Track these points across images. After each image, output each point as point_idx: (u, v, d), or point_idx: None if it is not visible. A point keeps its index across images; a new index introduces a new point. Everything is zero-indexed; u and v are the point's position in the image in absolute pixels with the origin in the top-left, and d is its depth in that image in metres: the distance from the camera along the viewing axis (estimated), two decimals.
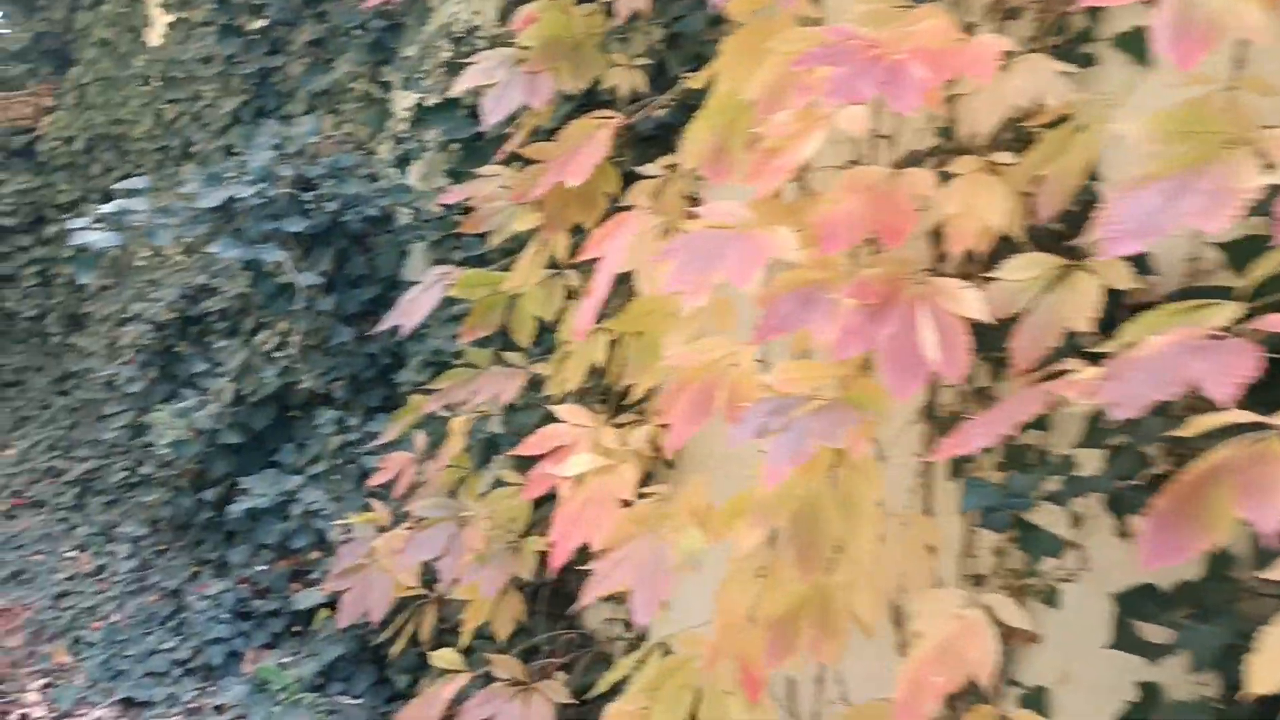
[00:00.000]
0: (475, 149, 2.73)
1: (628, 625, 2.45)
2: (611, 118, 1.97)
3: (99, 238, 3.14)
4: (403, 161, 3.13)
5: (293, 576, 3.33)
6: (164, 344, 4.15)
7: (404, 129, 3.17)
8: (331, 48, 3.57)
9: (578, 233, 2.10)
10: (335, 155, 3.25)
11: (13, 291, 6.31)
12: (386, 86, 3.43)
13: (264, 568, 3.39)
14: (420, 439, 2.67)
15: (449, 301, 2.52)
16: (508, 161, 2.25)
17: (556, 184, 1.98)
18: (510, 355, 2.34)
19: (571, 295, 2.28)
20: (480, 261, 2.77)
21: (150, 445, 4.31)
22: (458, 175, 2.84)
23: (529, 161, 2.09)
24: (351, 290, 3.17)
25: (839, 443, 1.37)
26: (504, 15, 2.86)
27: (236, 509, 3.11)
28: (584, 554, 1.76)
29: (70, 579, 4.27)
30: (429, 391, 2.81)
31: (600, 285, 1.75)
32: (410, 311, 2.25)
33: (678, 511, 1.78)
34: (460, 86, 2.08)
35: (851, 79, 1.39)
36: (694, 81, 1.83)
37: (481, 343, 2.53)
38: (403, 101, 3.30)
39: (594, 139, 1.94)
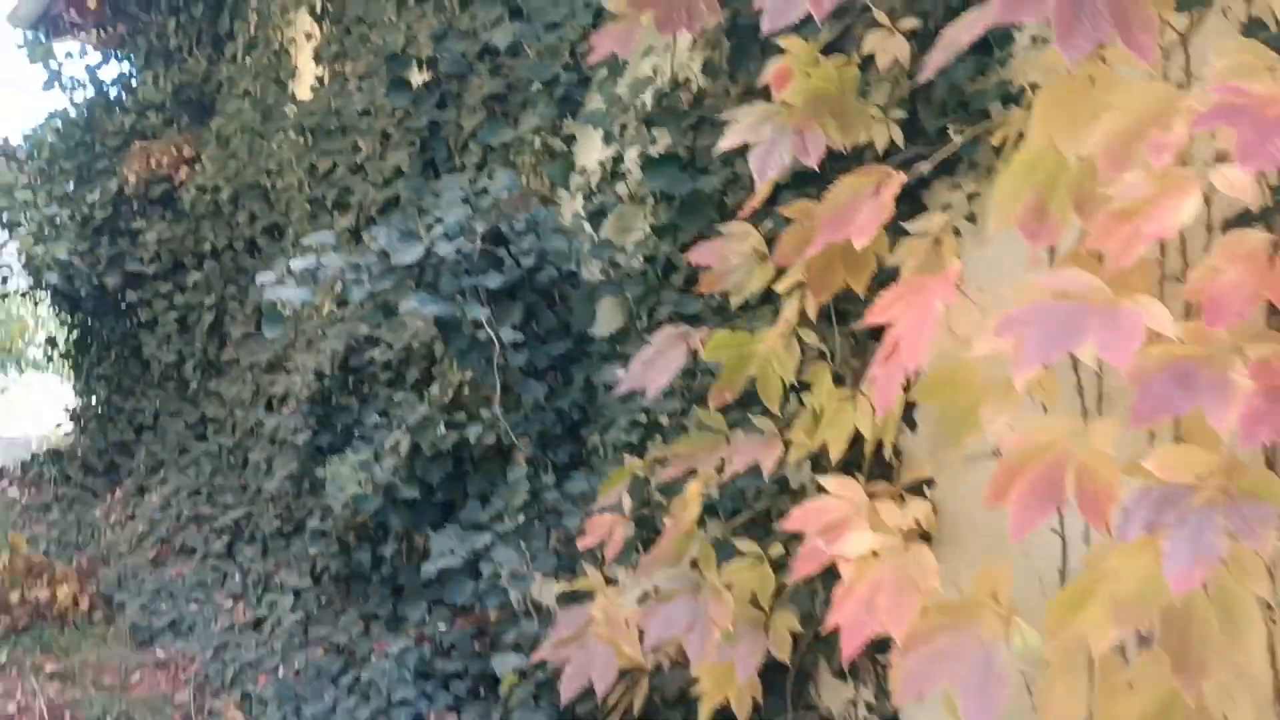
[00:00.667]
0: (693, 205, 2.66)
1: (871, 708, 2.32)
2: (888, 174, 1.88)
3: (292, 293, 3.14)
4: (597, 215, 3.07)
5: (474, 636, 3.26)
6: (326, 394, 4.15)
7: (596, 182, 3.12)
8: (512, 101, 3.55)
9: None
10: (528, 210, 3.21)
11: (150, 337, 6.43)
12: (570, 140, 3.39)
13: (445, 627, 3.33)
14: (626, 501, 2.59)
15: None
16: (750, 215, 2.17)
17: (826, 244, 1.88)
18: (733, 418, 2.24)
19: (821, 357, 2.19)
20: (692, 320, 2.70)
21: (314, 495, 4.31)
22: (671, 230, 2.77)
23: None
24: (541, 345, 3.12)
25: (1262, 543, 1.24)
26: (710, 70, 2.80)
27: (430, 567, 3.05)
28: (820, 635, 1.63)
29: (229, 629, 4.27)
30: (638, 451, 2.73)
31: (905, 353, 1.65)
32: (653, 375, 2.17)
33: (984, 601, 1.66)
34: (727, 143, 2.01)
35: (1260, 142, 1.28)
36: (962, 136, 1.73)
37: (679, 399, 2.45)
38: (592, 155, 3.26)
39: (874, 198, 1.84)
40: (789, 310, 2.05)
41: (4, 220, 6.92)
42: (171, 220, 6.36)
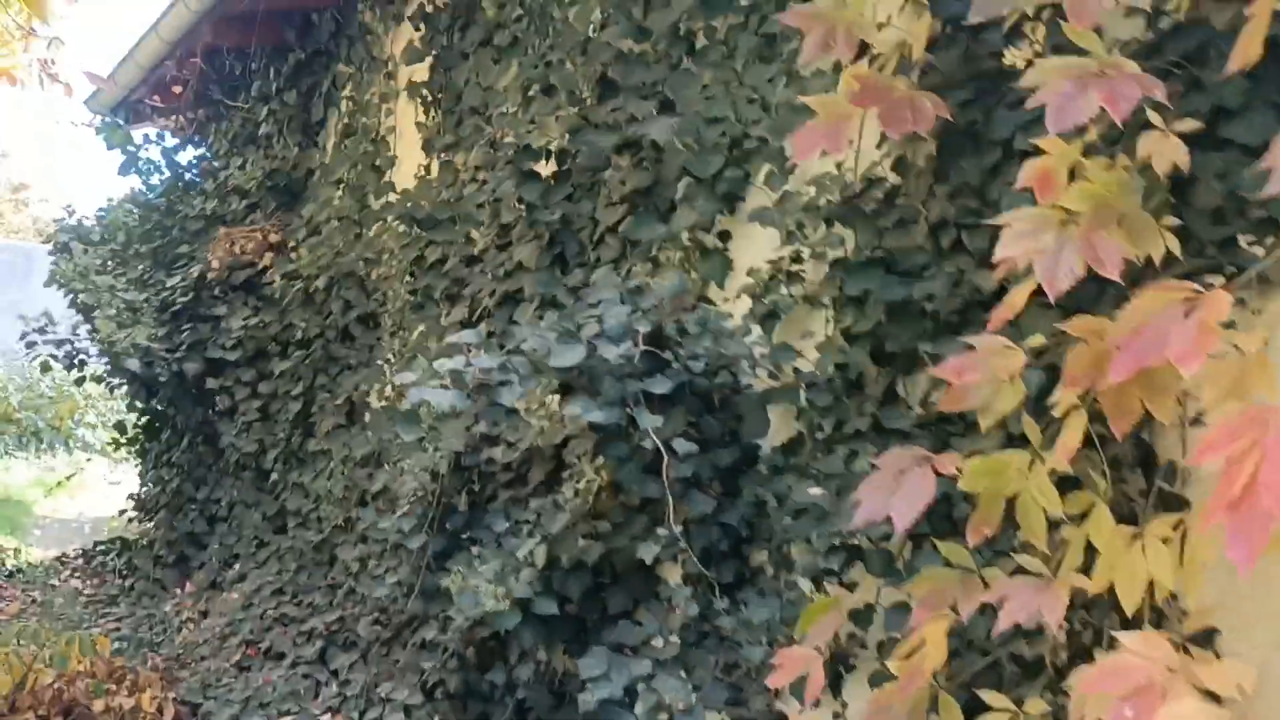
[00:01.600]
0: (900, 311, 2.48)
1: None
2: (1195, 289, 1.68)
3: (443, 397, 2.96)
4: (769, 317, 2.89)
5: None
6: (438, 496, 3.94)
7: (765, 282, 2.95)
8: (660, 195, 3.40)
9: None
10: (685, 309, 3.03)
11: (229, 425, 6.28)
12: (725, 236, 3.23)
13: None
14: (820, 634, 2.35)
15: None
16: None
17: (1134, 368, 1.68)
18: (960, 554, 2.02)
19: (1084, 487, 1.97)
20: (903, 437, 2.49)
21: (423, 601, 4.08)
22: (870, 337, 2.58)
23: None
24: (705, 455, 2.91)
25: None
26: (904, 167, 2.64)
27: (589, 697, 2.81)
28: None
29: None
30: (835, 577, 2.50)
31: (1270, 498, 1.43)
32: (900, 505, 1.96)
33: None
34: (1005, 252, 1.82)
35: None
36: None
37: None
38: (752, 252, 3.09)
39: (1189, 318, 1.64)
40: (1069, 437, 1.84)
41: (80, 303, 6.83)
42: (256, 307, 6.26)
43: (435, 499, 3.99)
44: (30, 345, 6.67)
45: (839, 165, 2.81)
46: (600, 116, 3.70)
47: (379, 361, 5.27)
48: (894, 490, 2.03)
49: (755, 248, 3.14)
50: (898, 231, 2.59)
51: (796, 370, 2.82)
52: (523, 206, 3.98)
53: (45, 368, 6.69)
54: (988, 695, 2.03)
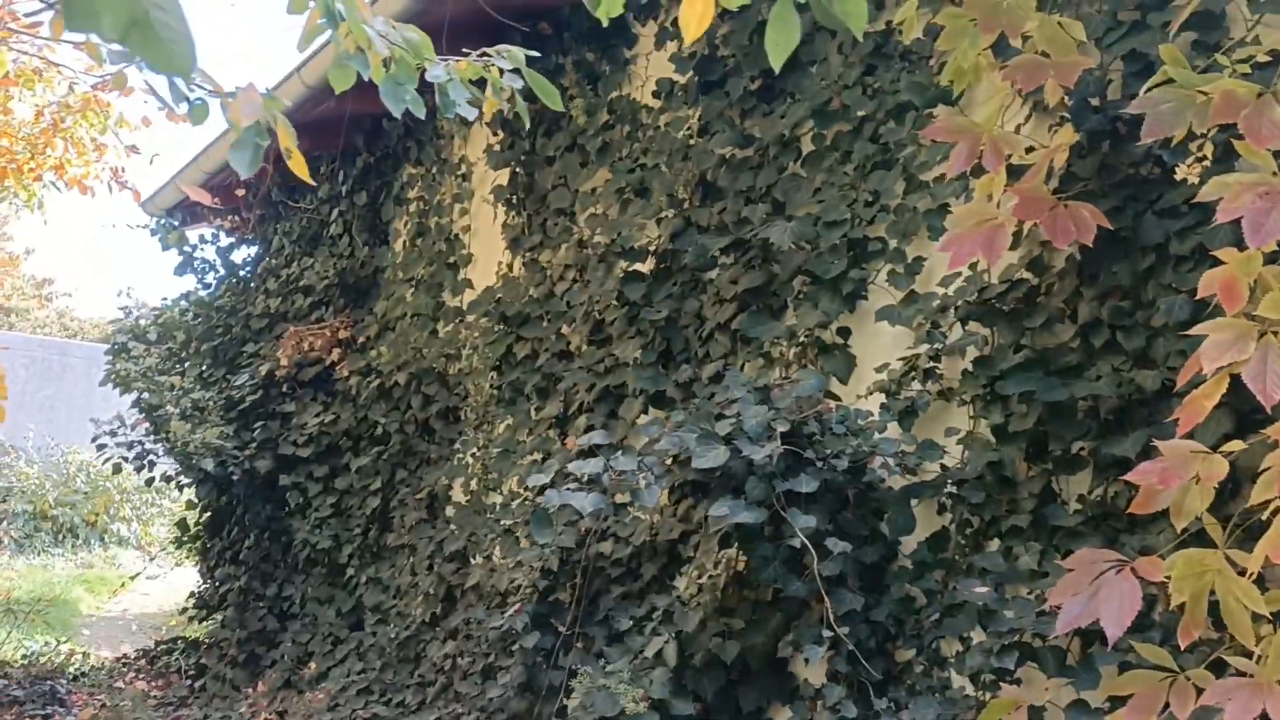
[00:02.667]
0: (1060, 411, 2.55)
1: None
2: None
3: (584, 501, 3.01)
4: (907, 414, 2.96)
5: None
6: (547, 592, 3.97)
7: (899, 379, 3.03)
8: (771, 294, 3.50)
9: None
10: (813, 406, 3.11)
11: (301, 521, 6.31)
12: (845, 333, 3.32)
13: None
14: None
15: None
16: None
17: None
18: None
19: None
20: (1067, 534, 2.54)
21: (532, 698, 4.08)
22: (1027, 435, 2.65)
23: None
24: (848, 552, 2.95)
25: None
26: (1039, 266, 2.73)
27: None
28: None
29: None
30: (1008, 676, 2.53)
31: None
32: (1109, 612, 2.00)
33: None
34: (1212, 364, 1.89)
35: None
36: None
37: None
38: (881, 350, 3.18)
39: None
40: (1276, 535, 1.89)
41: (144, 403, 6.92)
42: (326, 403, 6.34)
43: (544, 596, 4.02)
44: (101, 447, 6.74)
45: (973, 266, 2.91)
46: (703, 218, 3.82)
47: (461, 456, 5.33)
48: (1093, 593, 2.07)
49: (879, 344, 3.22)
50: (1044, 331, 2.67)
51: (943, 467, 2.88)
52: (623, 305, 4.08)
53: (117, 469, 6.74)
54: None
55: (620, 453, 3.12)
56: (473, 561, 5.14)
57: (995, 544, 2.80)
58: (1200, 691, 1.98)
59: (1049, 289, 2.71)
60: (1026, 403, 2.64)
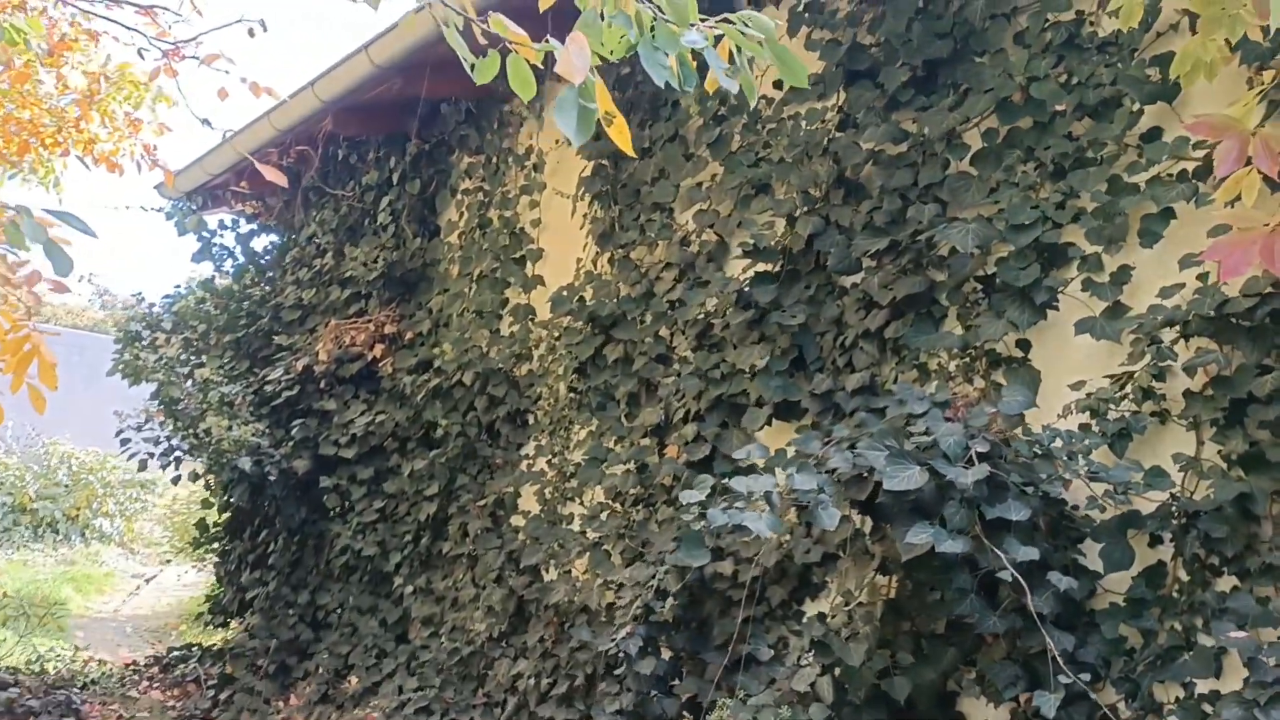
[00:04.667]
0: None
1: None
2: None
3: (761, 524, 2.74)
4: (1120, 437, 2.71)
5: None
6: (669, 614, 3.69)
7: (1109, 399, 2.78)
8: (935, 300, 3.25)
9: None
10: (996, 426, 2.86)
11: (342, 526, 5.97)
12: (1026, 346, 3.07)
13: None
14: None
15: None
16: None
17: None
18: None
19: None
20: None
21: None
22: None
23: None
24: (1046, 590, 2.70)
25: None
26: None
27: None
28: None
29: None
30: None
31: None
32: None
33: None
34: None
35: None
36: None
37: None
38: (1073, 366, 2.94)
39: None
40: None
41: (165, 396, 6.54)
42: (369, 401, 6.00)
43: (658, 619, 3.73)
44: (125, 442, 6.35)
45: (1202, 278, 2.67)
46: (845, 217, 3.56)
47: (532, 462, 5.03)
48: None
49: (1067, 360, 2.98)
50: None
51: (1174, 496, 2.64)
52: (745, 308, 3.81)
53: (142, 465, 6.36)
54: None
55: (796, 469, 2.84)
56: (546, 576, 4.84)
57: (1226, 582, 2.57)
58: None
59: None
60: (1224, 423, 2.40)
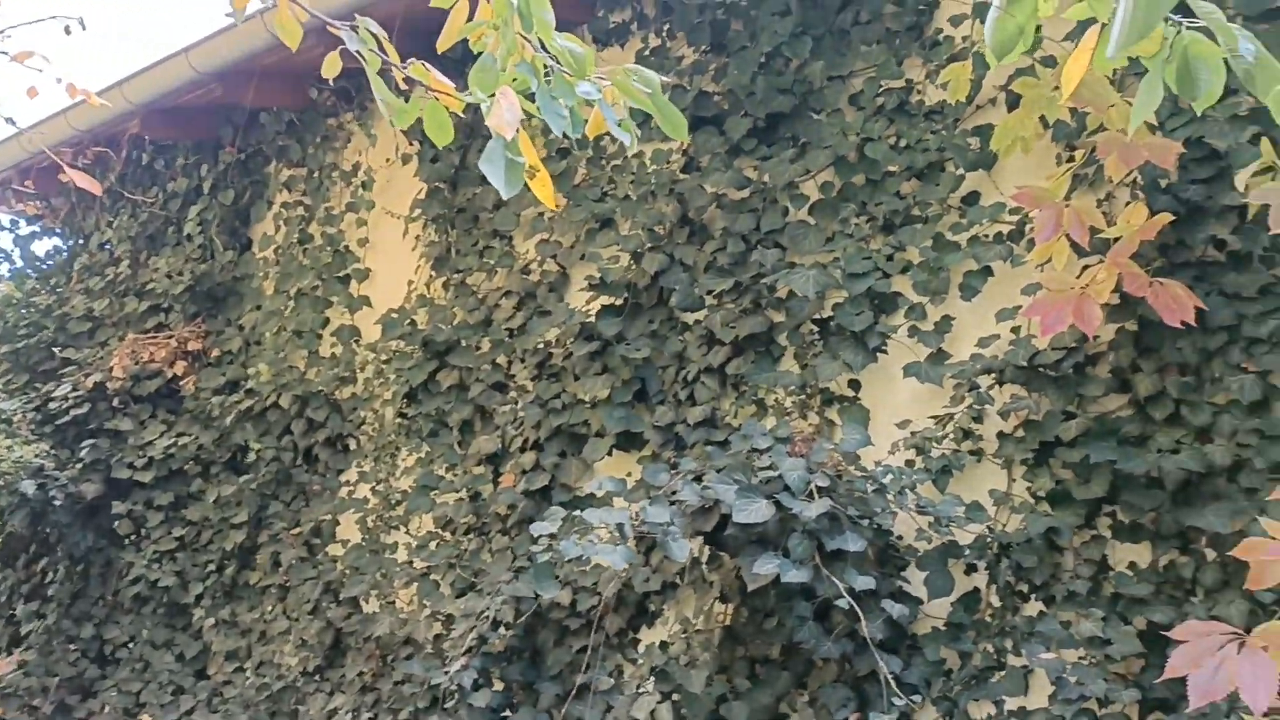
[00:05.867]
0: (1132, 484, 2.61)
1: None
2: None
3: (614, 556, 2.81)
4: (943, 473, 2.96)
5: None
6: (504, 644, 3.69)
7: (933, 437, 3.03)
8: (774, 340, 3.43)
9: None
10: (823, 457, 3.05)
11: (136, 555, 5.59)
12: (857, 385, 3.30)
13: None
14: None
15: None
16: None
17: None
18: None
19: None
20: (1132, 603, 2.60)
21: None
22: (1086, 505, 2.70)
23: None
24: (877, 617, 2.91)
25: None
26: (1078, 338, 2.81)
27: None
28: None
29: None
30: None
31: None
32: (1252, 689, 2.05)
33: None
34: None
35: None
36: None
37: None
38: (897, 406, 3.17)
39: None
40: None
41: None
42: (169, 421, 5.67)
43: (492, 650, 3.73)
44: None
45: (1015, 330, 2.96)
46: (689, 256, 3.70)
47: (353, 489, 4.89)
48: (1218, 665, 2.12)
49: (893, 400, 3.22)
50: (1097, 400, 2.75)
51: (989, 529, 2.89)
52: (588, 339, 3.88)
53: None
54: None
55: (649, 501, 2.93)
56: (368, 607, 4.71)
57: (1034, 608, 2.84)
58: None
59: (1099, 359, 2.79)
60: (1088, 470, 2.69)
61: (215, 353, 5.71)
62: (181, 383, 5.76)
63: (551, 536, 2.99)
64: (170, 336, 5.90)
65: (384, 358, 4.84)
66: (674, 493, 3.02)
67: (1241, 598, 2.45)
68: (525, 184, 1.71)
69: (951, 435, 3.00)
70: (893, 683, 2.77)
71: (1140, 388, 2.68)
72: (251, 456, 5.20)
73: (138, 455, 5.57)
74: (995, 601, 2.91)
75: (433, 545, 4.42)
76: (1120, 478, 2.65)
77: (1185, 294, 2.46)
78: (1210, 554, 2.56)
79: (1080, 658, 2.67)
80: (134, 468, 5.56)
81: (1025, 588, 2.84)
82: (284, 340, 5.32)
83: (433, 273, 4.71)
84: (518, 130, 1.62)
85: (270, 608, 5.08)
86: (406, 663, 4.03)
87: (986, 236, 3.07)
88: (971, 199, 3.14)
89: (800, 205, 3.48)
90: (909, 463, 3.06)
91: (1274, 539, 2.17)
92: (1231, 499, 2.52)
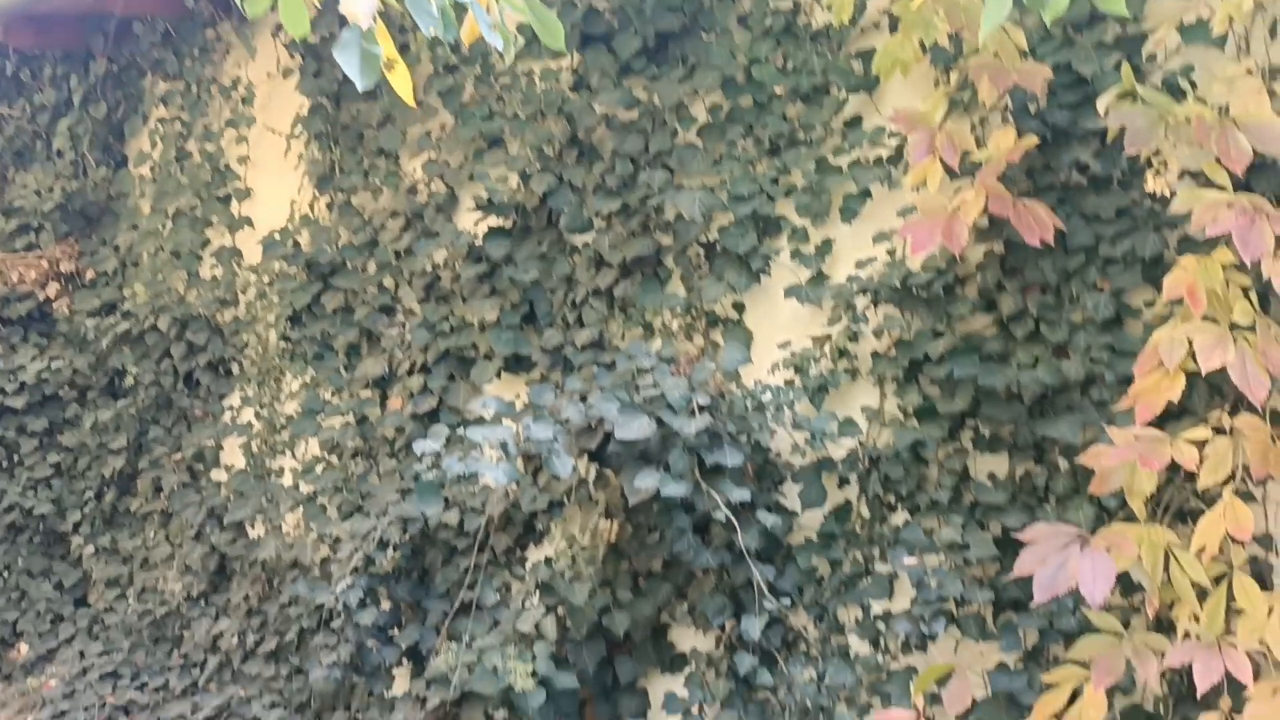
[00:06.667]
0: (993, 397, 2.73)
1: None
2: None
3: (497, 473, 2.83)
4: (819, 391, 3.05)
5: None
6: (391, 565, 3.69)
7: (811, 356, 3.10)
8: (661, 263, 3.46)
9: None
10: (709, 377, 3.12)
11: (9, 483, 5.39)
12: (740, 308, 3.35)
13: None
14: (919, 699, 2.56)
15: None
16: None
17: None
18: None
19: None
20: (989, 510, 2.74)
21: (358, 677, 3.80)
22: (955, 418, 2.81)
23: None
24: (757, 524, 3.00)
25: None
26: (952, 260, 2.90)
27: None
28: None
29: None
30: (930, 640, 2.69)
31: None
32: (1090, 583, 2.19)
33: None
34: (1210, 363, 2.11)
35: None
36: None
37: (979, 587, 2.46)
38: (781, 328, 3.24)
39: None
40: (1240, 513, 2.15)
41: None
42: (41, 345, 5.45)
43: (379, 570, 3.73)
44: None
45: (890, 253, 3.04)
46: (578, 177, 3.68)
47: (237, 414, 4.80)
48: (1062, 563, 2.26)
49: (775, 322, 3.28)
50: (964, 319, 2.85)
51: (861, 444, 2.99)
52: (477, 261, 3.85)
53: None
54: None
55: (533, 419, 2.95)
56: (253, 532, 4.66)
57: (900, 518, 2.97)
58: (1161, 655, 2.22)
59: (967, 280, 2.89)
60: (953, 386, 2.80)
61: (90, 274, 5.49)
62: (54, 305, 5.54)
63: (436, 454, 2.99)
64: (41, 257, 5.64)
65: (266, 280, 4.72)
66: (558, 411, 3.04)
67: (1089, 504, 2.60)
68: (383, 76, 1.66)
69: (829, 355, 3.09)
70: (766, 589, 2.87)
71: (1004, 307, 2.79)
72: (130, 381, 5.04)
73: (8, 380, 5.35)
74: (865, 513, 3.03)
75: (319, 469, 4.37)
76: (982, 392, 2.77)
77: (1046, 214, 2.56)
78: (1063, 464, 2.71)
79: (940, 563, 2.80)
80: (4, 393, 5.34)
81: (892, 499, 2.97)
82: (162, 261, 5.14)
83: (316, 192, 4.59)
84: (374, 20, 1.57)
85: (152, 534, 4.98)
86: (293, 585, 4.00)
87: (867, 160, 3.13)
88: (854, 123, 3.19)
89: (688, 127, 3.48)
90: (788, 382, 3.14)
91: (1117, 446, 2.31)
92: (1083, 411, 2.66)
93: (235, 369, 4.89)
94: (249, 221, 4.90)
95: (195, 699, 4.34)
